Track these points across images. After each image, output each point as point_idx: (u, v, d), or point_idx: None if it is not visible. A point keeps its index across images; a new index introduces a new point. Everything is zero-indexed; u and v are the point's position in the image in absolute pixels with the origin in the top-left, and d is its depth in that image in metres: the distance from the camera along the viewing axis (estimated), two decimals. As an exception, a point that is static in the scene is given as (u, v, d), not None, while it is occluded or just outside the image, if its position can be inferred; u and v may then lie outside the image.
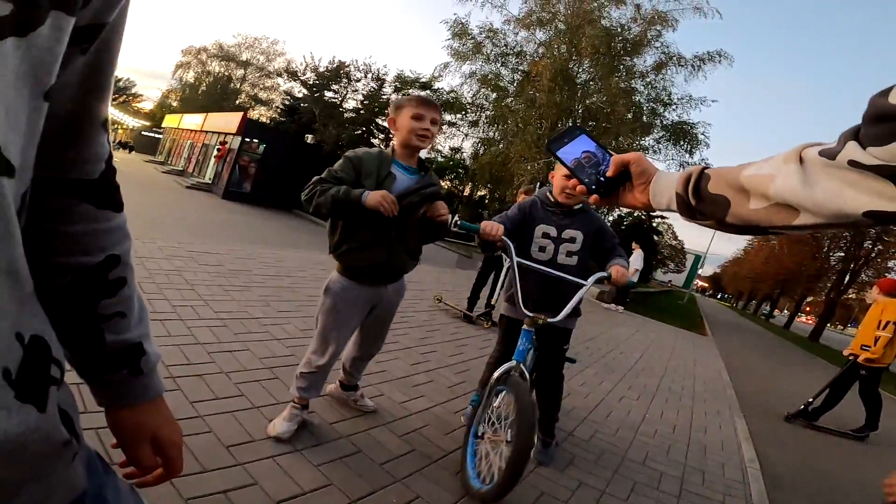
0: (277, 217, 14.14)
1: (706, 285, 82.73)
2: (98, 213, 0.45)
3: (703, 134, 16.22)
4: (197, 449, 1.64)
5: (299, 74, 19.35)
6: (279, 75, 28.90)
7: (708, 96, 16.31)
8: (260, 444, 1.78)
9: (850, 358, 4.57)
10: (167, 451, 0.57)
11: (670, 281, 45.40)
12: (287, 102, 21.68)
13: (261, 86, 37.23)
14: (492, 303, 5.11)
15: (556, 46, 16.40)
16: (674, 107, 16.38)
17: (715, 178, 0.59)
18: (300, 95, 20.12)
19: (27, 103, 0.31)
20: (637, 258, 11.29)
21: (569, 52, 15.91)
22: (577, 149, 0.74)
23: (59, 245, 0.44)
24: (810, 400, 4.78)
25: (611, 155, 0.72)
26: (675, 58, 16.25)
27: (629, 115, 15.37)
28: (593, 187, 0.71)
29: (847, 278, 21.24)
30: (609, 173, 0.71)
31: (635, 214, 24.46)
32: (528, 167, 14.82)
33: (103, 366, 0.51)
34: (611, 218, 21.83)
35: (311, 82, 18.94)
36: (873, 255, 19.86)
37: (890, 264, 19.28)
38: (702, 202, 0.61)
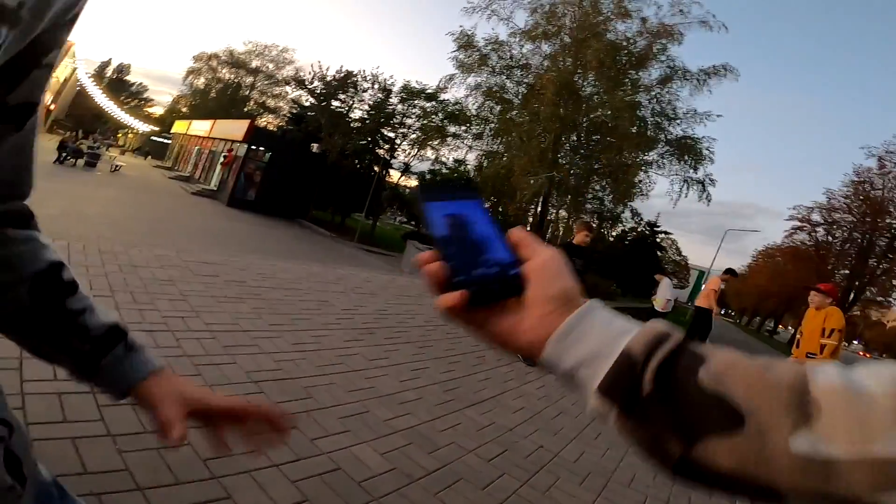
0: (280, 226, 14.23)
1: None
2: (31, 233, 0.50)
3: (707, 149, 16.25)
4: (172, 461, 1.65)
5: (307, 83, 19.60)
6: (287, 83, 29.30)
7: (713, 110, 16.32)
8: (237, 459, 1.79)
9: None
10: (213, 403, 0.57)
11: (676, 298, 44.94)
12: (294, 111, 21.93)
13: (269, 93, 37.74)
14: None
15: (561, 59, 16.55)
16: (678, 121, 16.45)
17: (728, 367, 0.30)
18: (307, 104, 20.35)
19: None
20: (666, 288, 10.65)
21: (574, 65, 16.06)
22: (459, 213, 0.41)
23: (7, 264, 0.48)
24: None
25: (506, 243, 0.40)
26: (680, 71, 16.35)
27: (633, 130, 15.43)
28: (460, 280, 0.36)
29: (851, 296, 21.05)
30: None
31: (640, 229, 24.37)
32: (531, 181, 14.89)
33: (97, 351, 0.52)
34: (614, 233, 21.80)
35: (318, 91, 19.16)
36: (878, 272, 19.66)
37: (895, 282, 19.08)
38: (666, 395, 0.31)
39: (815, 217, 22.62)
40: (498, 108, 17.70)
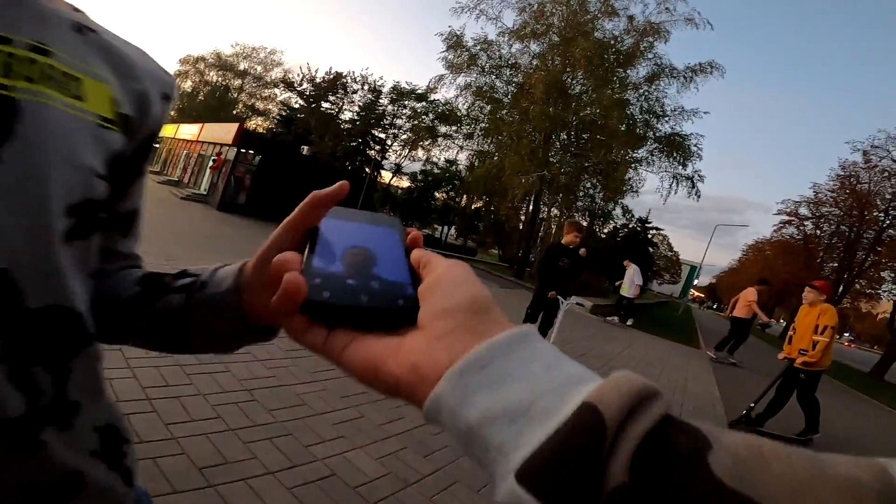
0: (271, 230, 14.06)
1: (702, 296, 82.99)
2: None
3: (695, 146, 16.48)
4: (168, 470, 1.66)
5: (296, 85, 19.52)
6: (276, 86, 29.14)
7: (700, 107, 16.58)
8: (233, 466, 1.79)
9: (787, 361, 4.61)
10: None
11: (672, 294, 45.40)
12: (284, 113, 21.85)
13: (258, 96, 37.50)
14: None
15: (549, 58, 16.64)
16: (667, 118, 16.66)
17: (756, 455, 0.18)
18: (297, 106, 20.28)
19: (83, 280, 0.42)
20: (634, 274, 11.28)
21: (562, 64, 16.17)
22: (360, 233, 0.35)
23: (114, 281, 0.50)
24: (752, 405, 4.75)
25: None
26: (667, 69, 16.53)
27: (622, 127, 15.60)
28: (320, 298, 0.27)
29: (840, 288, 21.37)
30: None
31: (631, 225, 24.51)
32: (522, 180, 14.96)
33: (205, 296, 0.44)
34: (606, 230, 22.00)
35: (307, 93, 19.09)
36: (867, 265, 19.97)
37: (883, 274, 19.40)
38: (653, 495, 0.17)
39: (803, 211, 22.93)
40: (488, 107, 17.78)
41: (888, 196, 18.10)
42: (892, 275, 18.00)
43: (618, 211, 19.02)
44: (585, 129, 16.55)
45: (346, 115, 19.22)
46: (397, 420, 2.61)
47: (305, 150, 18.42)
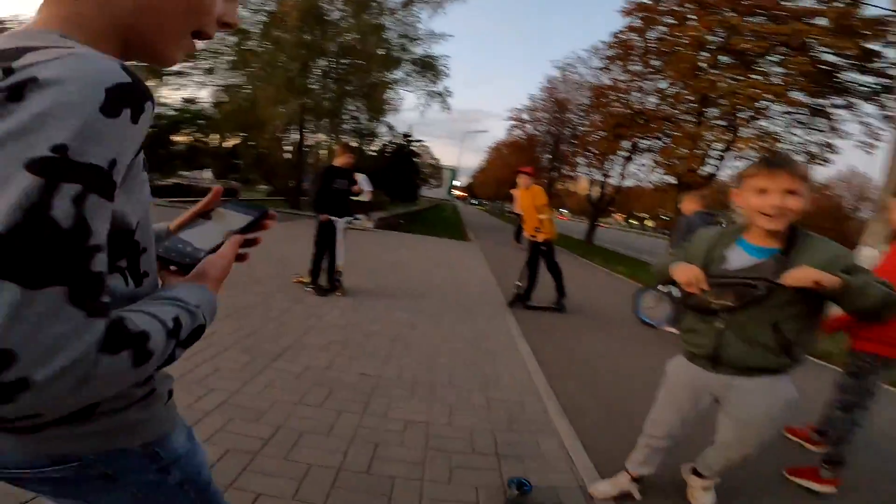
0: None
1: (464, 195, 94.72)
2: None
3: (444, 66, 18.03)
4: None
5: None
6: None
7: (447, 31, 18.42)
8: None
9: (530, 239, 5.55)
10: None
11: (445, 199, 49.99)
12: None
13: None
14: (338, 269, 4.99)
15: None
16: (420, 42, 17.52)
17: None
18: None
19: None
20: (363, 182, 11.47)
21: None
22: (217, 218, 0.67)
23: None
24: (518, 284, 5.57)
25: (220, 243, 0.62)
26: None
27: (380, 51, 15.83)
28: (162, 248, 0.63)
29: (556, 174, 27.72)
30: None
31: (396, 141, 25.58)
32: (281, 110, 13.86)
33: None
34: (375, 148, 22.64)
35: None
36: (567, 154, 26.03)
37: (578, 160, 25.56)
38: None
39: (525, 116, 28.47)
40: (233, 39, 15.33)
41: (579, 102, 23.37)
42: (584, 160, 23.92)
43: (383, 129, 20.00)
44: (346, 55, 16.13)
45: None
46: (206, 395, 2.41)
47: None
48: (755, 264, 1.50)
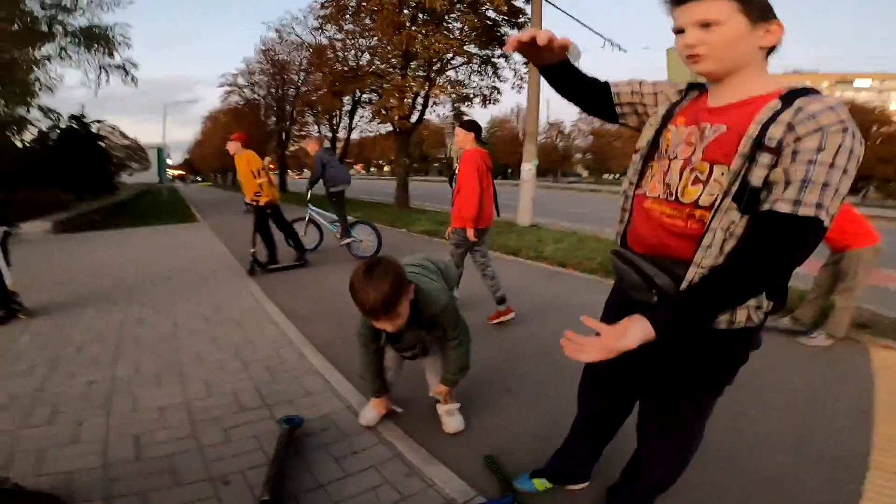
0: None
1: (183, 173, 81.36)
2: None
3: (121, 35, 15.38)
4: None
5: None
6: None
7: None
8: None
9: (253, 205, 5.43)
10: None
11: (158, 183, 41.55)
12: None
13: None
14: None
15: None
16: (81, 11, 14.36)
17: None
18: None
19: None
20: None
21: None
22: None
23: None
24: (253, 251, 5.41)
25: None
26: None
27: (16, 26, 12.87)
28: None
29: (285, 136, 26.43)
30: None
31: (63, 126, 19.80)
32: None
33: None
34: (28, 138, 17.39)
35: None
36: (294, 115, 25.06)
37: (306, 118, 24.88)
38: None
39: (241, 81, 25.82)
40: None
41: (299, 62, 22.46)
42: (311, 116, 23.46)
43: (36, 114, 16.02)
44: None
45: None
46: None
47: None
48: None
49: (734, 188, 0.96)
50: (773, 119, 0.93)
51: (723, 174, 0.99)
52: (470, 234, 3.43)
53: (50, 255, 7.05)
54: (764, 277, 0.97)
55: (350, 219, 6.50)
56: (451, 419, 2.14)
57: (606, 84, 1.30)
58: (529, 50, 1.15)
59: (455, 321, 1.92)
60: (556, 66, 1.23)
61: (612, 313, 1.28)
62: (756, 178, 0.94)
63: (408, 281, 1.70)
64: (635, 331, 0.99)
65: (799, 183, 0.89)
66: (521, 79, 14.04)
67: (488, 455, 1.89)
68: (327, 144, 5.25)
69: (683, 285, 1.04)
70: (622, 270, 1.21)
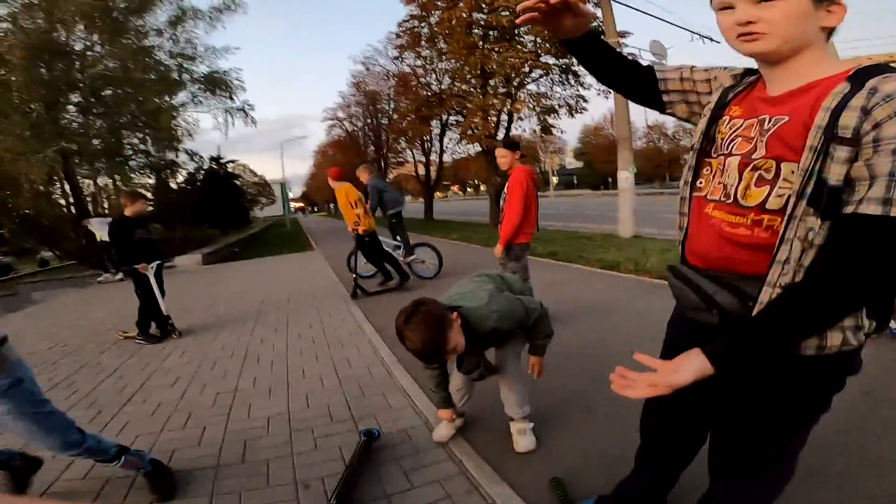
0: None
1: (302, 205, 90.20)
2: None
3: (237, 79, 17.32)
4: None
5: None
6: None
7: (231, 44, 17.50)
8: None
9: (354, 233, 5.80)
10: None
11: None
12: None
13: None
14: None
15: (28, 19, 12.59)
16: (200, 59, 16.42)
17: None
18: None
19: None
20: (97, 225, 9.53)
21: (49, 22, 12.55)
22: None
23: None
24: (354, 276, 5.83)
25: None
26: (189, 11, 15.82)
27: (151, 76, 14.53)
28: None
29: (383, 164, 28.33)
30: None
31: (206, 167, 23.27)
32: (34, 161, 11.60)
33: None
34: (179, 180, 20.42)
35: None
36: (389, 142, 26.70)
37: (400, 145, 26.34)
38: None
39: (340, 114, 28.28)
40: None
41: (387, 91, 24.01)
42: (404, 144, 24.87)
43: (183, 157, 18.26)
44: (105, 85, 13.99)
45: None
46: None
47: None
48: None
49: (809, 189, 0.81)
50: (843, 105, 0.78)
51: (793, 172, 0.84)
52: (498, 250, 3.66)
53: (199, 283, 8.40)
54: (852, 295, 0.81)
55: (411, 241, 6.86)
56: (523, 438, 2.14)
57: (651, 68, 1.19)
58: (546, 18, 1.05)
59: (519, 317, 1.90)
60: (581, 39, 1.13)
61: (674, 338, 1.21)
62: (834, 175, 0.79)
63: (449, 313, 1.76)
64: (689, 366, 0.89)
65: (886, 178, 0.74)
66: (607, 85, 13.44)
67: (555, 477, 1.87)
68: (377, 172, 5.58)
69: (756, 309, 0.89)
70: (677, 289, 1.09)
